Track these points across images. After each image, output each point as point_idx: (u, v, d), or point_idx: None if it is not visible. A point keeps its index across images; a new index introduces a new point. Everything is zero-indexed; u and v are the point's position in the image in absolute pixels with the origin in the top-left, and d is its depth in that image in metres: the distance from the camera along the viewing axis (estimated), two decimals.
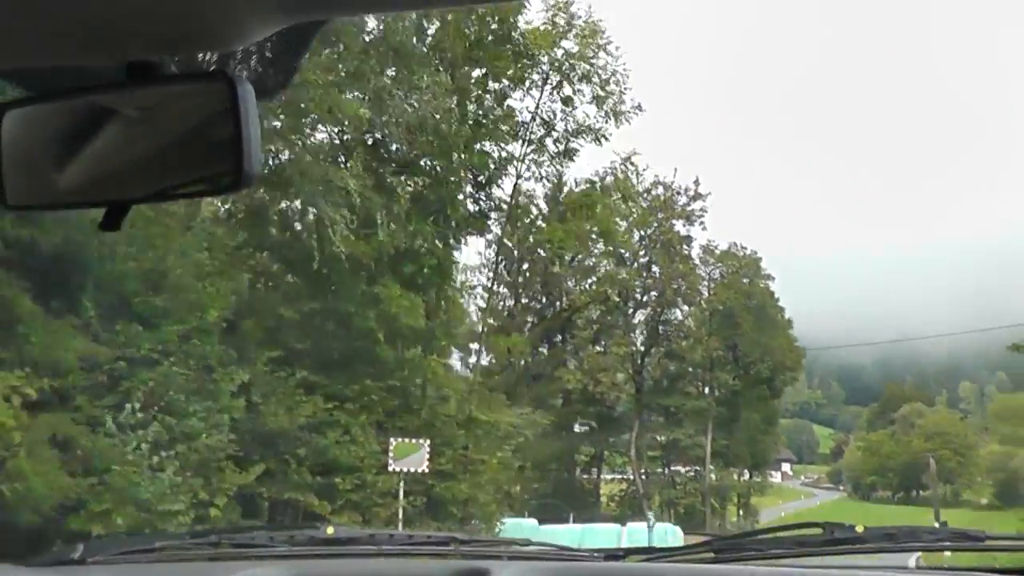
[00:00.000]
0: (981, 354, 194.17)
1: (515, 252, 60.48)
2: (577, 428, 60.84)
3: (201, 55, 1.42)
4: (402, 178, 24.81)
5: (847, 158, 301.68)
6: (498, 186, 31.78)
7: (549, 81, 34.04)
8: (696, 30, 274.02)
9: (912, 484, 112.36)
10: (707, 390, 59.53)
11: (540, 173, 36.40)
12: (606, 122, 35.85)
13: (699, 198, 56.80)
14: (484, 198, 31.65)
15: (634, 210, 57.24)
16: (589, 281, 57.34)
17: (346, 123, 23.32)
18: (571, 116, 35.07)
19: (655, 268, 56.29)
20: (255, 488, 20.87)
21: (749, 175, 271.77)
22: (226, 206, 23.44)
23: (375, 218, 22.80)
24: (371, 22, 21.79)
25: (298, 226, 24.51)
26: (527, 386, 58.70)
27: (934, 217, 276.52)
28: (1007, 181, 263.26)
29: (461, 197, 28.06)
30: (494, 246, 60.29)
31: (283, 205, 24.27)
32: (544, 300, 60.66)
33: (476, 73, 28.50)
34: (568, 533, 35.47)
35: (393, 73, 23.13)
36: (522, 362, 58.56)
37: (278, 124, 21.11)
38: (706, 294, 58.07)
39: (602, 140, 35.82)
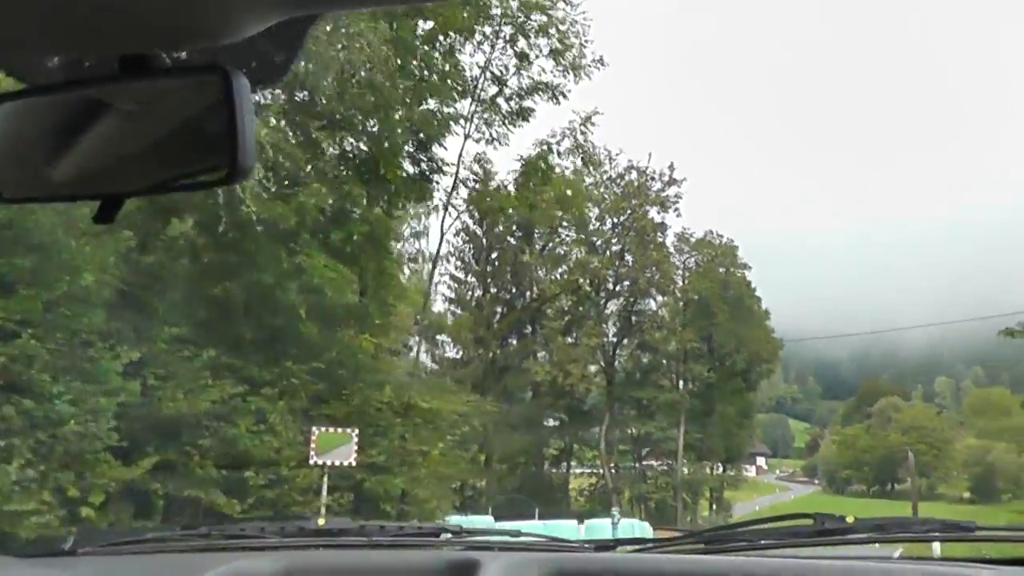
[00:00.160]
0: (957, 349, 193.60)
1: (483, 240, 57.22)
2: (547, 421, 57.14)
3: (196, 48, 1.36)
4: (330, 133, 21.32)
5: (826, 146, 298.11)
6: (441, 146, 28.20)
7: (502, 35, 30.54)
8: (665, 11, 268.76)
9: (887, 478, 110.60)
10: (680, 382, 56.79)
11: (491, 134, 32.70)
12: (564, 78, 32.20)
13: (674, 184, 53.75)
14: (426, 159, 28.07)
15: (606, 195, 53.94)
16: (560, 270, 53.78)
17: None
18: (526, 72, 31.46)
19: (628, 257, 53.08)
20: (147, 484, 17.44)
21: (725, 161, 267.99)
22: None
23: (296, 177, 19.32)
24: None
25: None
26: (495, 378, 55.43)
27: (912, 209, 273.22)
28: (984, 175, 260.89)
29: (400, 158, 24.40)
30: (461, 234, 57.54)
31: None
32: (514, 290, 57.45)
33: (420, 25, 25.02)
34: (527, 529, 32.03)
35: None
36: (490, 354, 55.17)
37: None
38: (681, 283, 55.02)
39: (560, 97, 32.10)
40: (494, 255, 57.40)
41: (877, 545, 3.10)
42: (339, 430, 21.13)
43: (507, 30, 29.97)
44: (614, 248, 54.50)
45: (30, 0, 1.18)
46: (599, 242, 54.39)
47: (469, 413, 30.37)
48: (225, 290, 20.39)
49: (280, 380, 21.35)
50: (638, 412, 54.48)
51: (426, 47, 25.49)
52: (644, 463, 57.19)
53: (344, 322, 23.13)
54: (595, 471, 55.90)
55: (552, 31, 29.72)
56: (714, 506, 58.00)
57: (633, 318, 55.75)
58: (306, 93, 21.37)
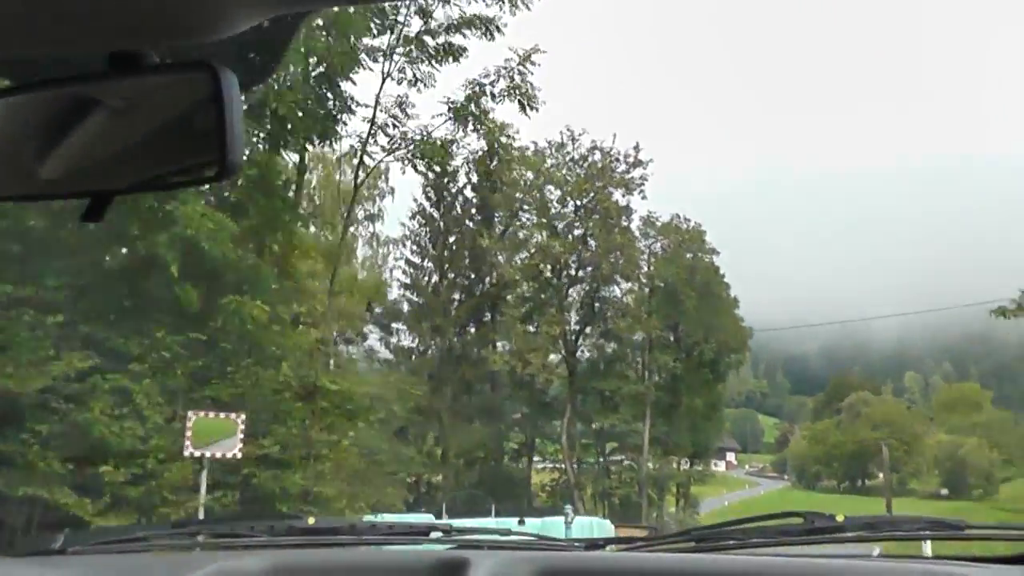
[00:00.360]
0: (926, 344, 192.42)
1: (440, 223, 53.53)
2: (507, 414, 53.68)
3: (185, 45, 1.37)
4: None
5: (797, 130, 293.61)
6: (349, 79, 24.23)
7: None
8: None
9: (858, 474, 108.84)
10: (646, 373, 54.59)
11: (415, 73, 28.82)
12: (500, 9, 28.41)
13: (639, 165, 51.26)
14: (332, 97, 24.10)
15: (568, 177, 50.42)
16: (522, 256, 50.26)
17: None
18: (455, 2, 27.71)
19: (591, 241, 49.74)
20: None
21: (692, 142, 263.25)
22: None
23: None
24: None
25: None
26: (452, 368, 51.70)
27: (882, 198, 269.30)
28: (952, 166, 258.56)
29: (296, 92, 20.38)
30: (418, 217, 53.89)
31: None
32: (472, 276, 53.99)
33: None
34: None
35: None
36: (447, 342, 51.41)
37: None
38: (646, 269, 51.97)
39: (494, 32, 28.25)
40: (452, 239, 53.83)
41: (873, 545, 3.00)
42: (222, 415, 17.24)
43: None
44: (577, 232, 51.79)
45: None
46: (561, 226, 51.38)
47: (386, 396, 26.35)
48: (78, 241, 16.33)
49: (149, 353, 17.48)
50: (602, 404, 52.01)
51: None
52: (608, 457, 53.29)
53: (233, 286, 19.00)
54: (557, 466, 52.59)
55: None
56: (681, 502, 54.35)
57: (596, 305, 52.91)
58: None
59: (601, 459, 54.86)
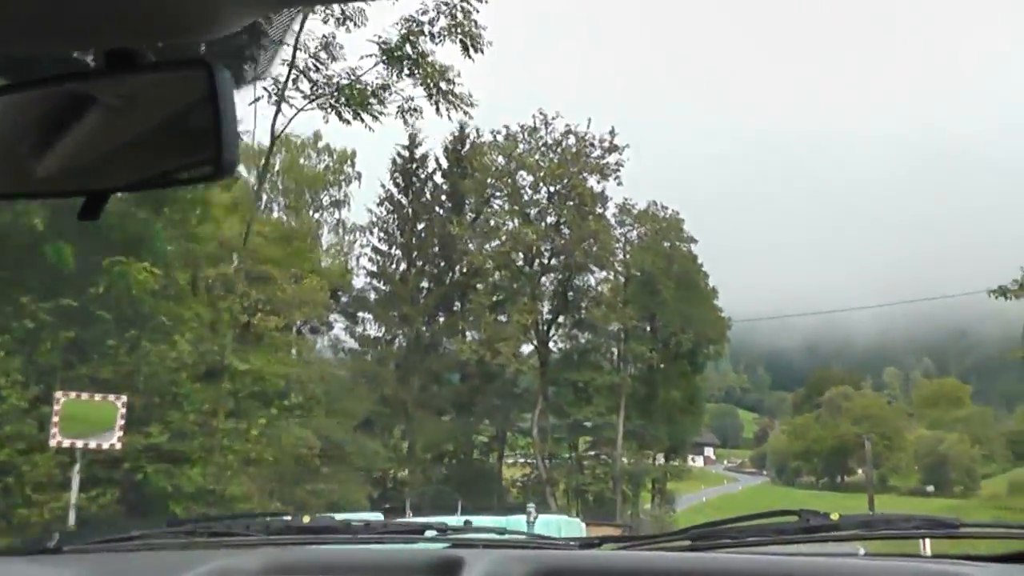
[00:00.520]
0: (907, 340, 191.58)
1: (408, 210, 51.22)
2: (477, 406, 51.57)
3: (180, 43, 1.36)
4: None
5: (773, 109, 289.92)
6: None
7: None
8: None
9: (837, 469, 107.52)
10: (621, 364, 52.89)
11: (343, 11, 26.25)
12: None
13: (615, 150, 49.62)
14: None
15: (541, 162, 48.23)
16: (493, 244, 47.91)
17: None
18: None
19: (565, 229, 47.26)
20: None
21: (672, 130, 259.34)
22: None
23: None
24: None
25: None
26: (420, 358, 49.39)
27: (864, 190, 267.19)
28: (931, 157, 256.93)
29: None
30: (385, 203, 51.59)
31: None
32: (442, 264, 51.72)
33: None
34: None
35: None
36: (415, 332, 49.10)
37: None
38: (622, 257, 49.51)
39: None
40: (420, 226, 51.58)
41: (867, 544, 3.08)
42: (99, 398, 14.48)
43: None
44: (550, 220, 49.62)
45: None
46: (534, 212, 48.96)
47: (303, 376, 23.80)
48: None
49: (10, 322, 14.69)
50: (575, 396, 50.25)
51: None
52: (581, 452, 50.91)
53: (119, 246, 16.25)
54: (529, 460, 50.32)
55: None
56: (656, 499, 51.93)
57: (570, 294, 50.34)
58: None
59: (574, 453, 53.02)
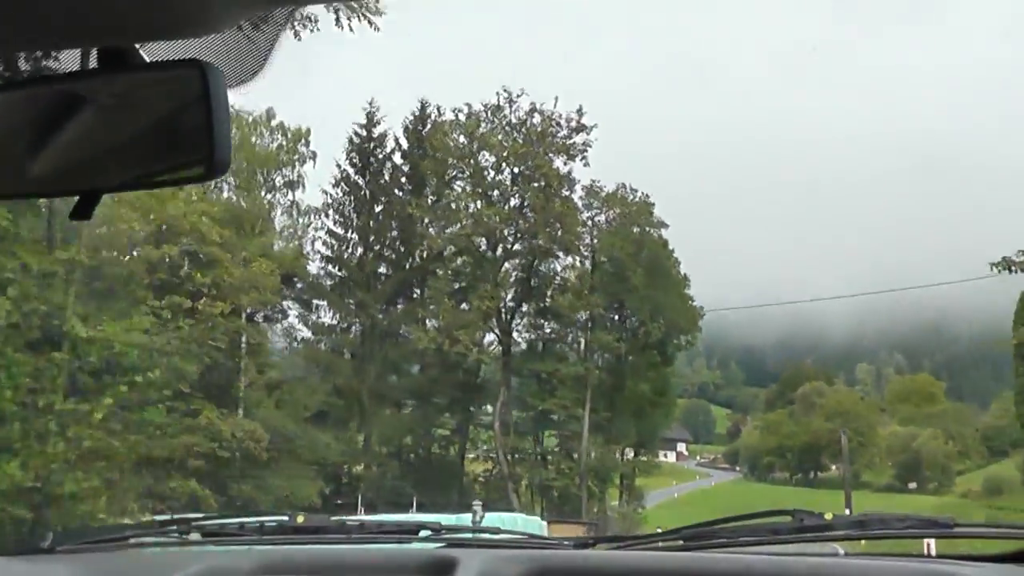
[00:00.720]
0: (879, 336, 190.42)
1: (366, 192, 48.30)
2: (437, 398, 48.94)
3: (173, 42, 1.38)
4: None
5: (746, 88, 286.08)
6: None
7: None
8: None
9: (810, 465, 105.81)
10: (587, 354, 50.76)
11: None
12: None
13: (582, 130, 47.55)
14: None
15: (505, 142, 45.37)
16: (454, 229, 45.06)
17: None
18: None
19: (529, 213, 44.43)
20: None
21: (643, 111, 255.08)
22: None
23: None
24: None
25: None
26: (377, 347, 46.48)
27: (834, 181, 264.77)
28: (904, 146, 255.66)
29: None
30: (342, 184, 48.69)
31: None
32: (402, 248, 48.65)
33: None
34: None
35: None
36: (371, 319, 46.24)
37: None
38: (589, 242, 46.41)
39: None
40: (378, 208, 48.73)
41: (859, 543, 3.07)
42: None
43: None
44: (513, 202, 46.67)
45: None
46: (496, 194, 45.86)
47: (158, 345, 20.59)
48: None
49: None
50: (539, 388, 46.95)
51: None
52: (546, 446, 48.09)
53: None
54: (492, 455, 47.34)
55: None
56: (624, 495, 49.03)
57: (534, 281, 47.19)
58: None
59: (538, 448, 50.13)
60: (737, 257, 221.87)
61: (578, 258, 49.37)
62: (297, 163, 49.66)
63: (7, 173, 1.43)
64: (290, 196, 49.99)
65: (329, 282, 49.61)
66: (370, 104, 50.79)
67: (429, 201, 48.99)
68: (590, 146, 46.70)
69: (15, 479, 14.81)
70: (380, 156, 50.46)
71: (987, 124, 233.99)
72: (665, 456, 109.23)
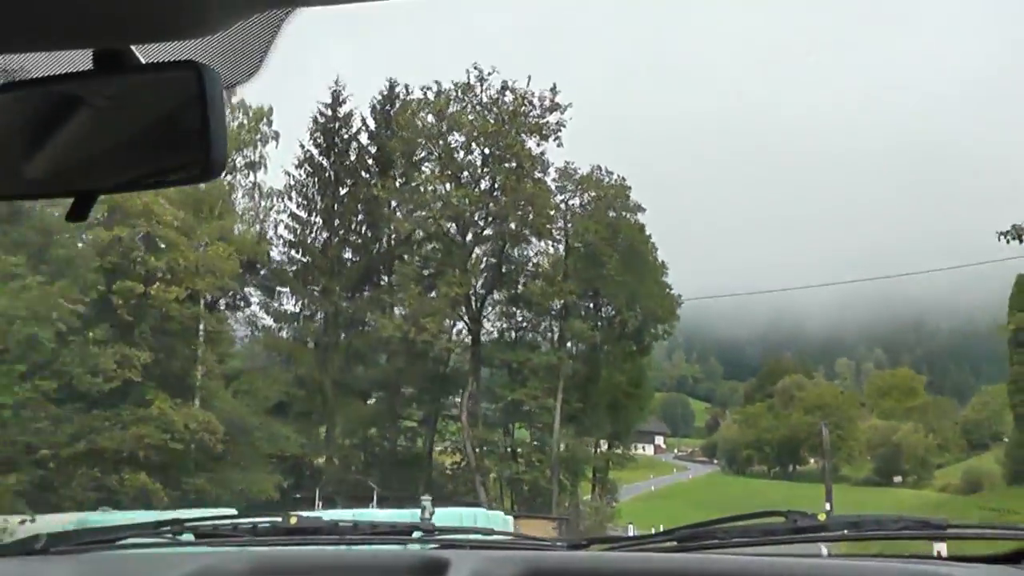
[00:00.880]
0: (859, 331, 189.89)
1: (330, 173, 46.04)
2: (404, 388, 48.44)
3: (169, 44, 1.38)
4: None
5: (724, 66, 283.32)
6: None
7: None
8: None
9: (789, 459, 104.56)
10: (560, 343, 48.62)
11: None
12: None
13: (556, 109, 45.44)
14: None
15: (475, 122, 43.14)
16: (422, 213, 42.76)
17: None
18: None
19: (501, 196, 42.61)
20: None
21: (620, 91, 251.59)
22: None
23: None
24: None
25: None
26: (341, 336, 44.36)
27: (814, 168, 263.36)
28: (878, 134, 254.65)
29: None
30: (305, 165, 46.37)
31: None
32: (367, 233, 46.37)
33: None
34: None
35: None
36: (334, 307, 44.06)
37: None
38: (562, 226, 44.15)
39: None
40: (343, 191, 46.47)
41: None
42: None
43: None
44: (484, 184, 44.27)
45: None
46: (466, 176, 43.57)
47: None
48: None
49: None
50: (510, 377, 44.52)
51: None
52: (516, 438, 46.43)
53: None
54: (460, 447, 45.05)
55: None
56: (597, 488, 46.94)
57: (505, 267, 44.98)
58: None
59: (508, 439, 47.93)
60: (716, 245, 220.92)
61: (551, 243, 47.83)
62: (259, 143, 47.33)
63: (3, 174, 1.41)
64: (251, 177, 47.71)
65: (292, 268, 47.41)
66: (336, 83, 48.73)
67: (397, 183, 46.91)
68: (564, 126, 44.96)
69: None
70: (346, 137, 48.44)
71: (971, 116, 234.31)
72: (643, 449, 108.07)
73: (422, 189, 46.14)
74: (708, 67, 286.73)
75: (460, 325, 46.63)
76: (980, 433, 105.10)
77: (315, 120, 47.74)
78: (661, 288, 49.69)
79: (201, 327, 41.68)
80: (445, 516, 21.11)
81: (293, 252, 47.28)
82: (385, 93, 49.46)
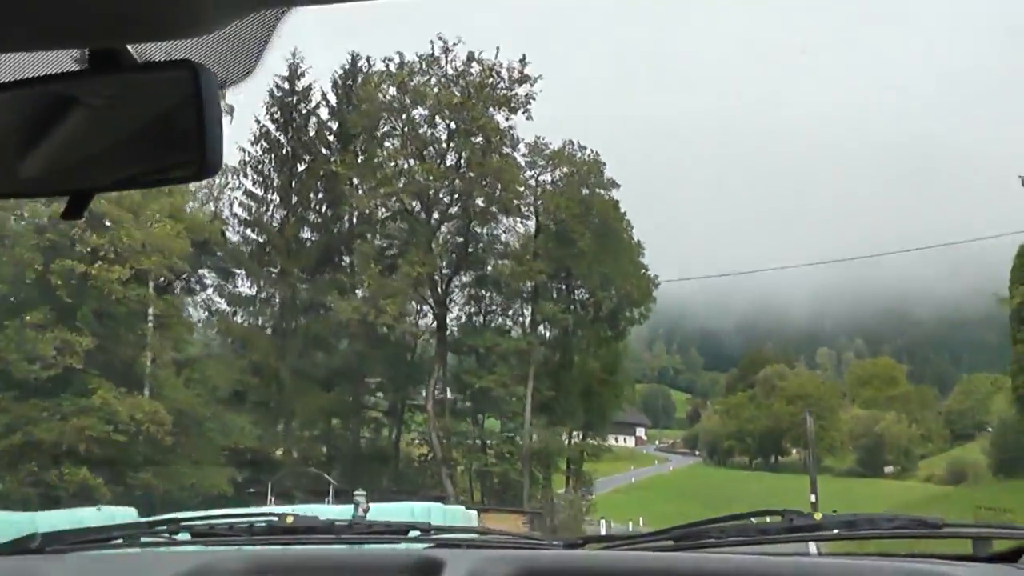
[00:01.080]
0: (839, 321, 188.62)
1: (287, 149, 43.19)
2: (369, 376, 46.42)
3: (165, 43, 1.37)
4: None
5: (703, 41, 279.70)
6: None
7: None
8: None
9: (771, 449, 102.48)
10: (531, 327, 46.13)
11: None
12: None
13: (525, 81, 42.82)
14: None
15: (440, 95, 40.35)
16: (385, 191, 40.23)
17: None
18: None
19: (467, 172, 39.78)
20: None
21: (592, 64, 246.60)
22: None
23: None
24: None
25: None
26: (299, 320, 41.53)
27: (794, 144, 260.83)
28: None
29: None
30: (262, 141, 43.53)
31: None
32: (327, 212, 43.59)
33: None
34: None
35: None
36: (291, 289, 41.28)
37: None
38: (532, 202, 41.64)
39: None
40: (301, 167, 43.61)
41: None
42: None
43: None
44: (450, 160, 41.44)
45: None
46: (431, 151, 40.82)
47: None
48: None
49: None
50: (478, 364, 41.56)
51: None
52: (486, 428, 43.54)
53: None
54: (427, 437, 42.45)
55: None
56: (571, 481, 44.20)
57: (471, 246, 42.22)
58: None
59: (477, 430, 45.28)
60: (694, 228, 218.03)
61: (520, 220, 45.36)
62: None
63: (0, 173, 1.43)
64: None
65: (247, 248, 44.70)
66: (293, 55, 46.02)
67: (358, 159, 44.42)
68: (534, 99, 42.60)
69: None
70: (304, 111, 45.84)
71: (958, 110, 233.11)
72: (624, 441, 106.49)
73: (384, 165, 43.70)
74: (694, 54, 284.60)
75: (425, 309, 44.22)
76: (963, 423, 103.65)
77: (271, 94, 45.26)
78: (637, 268, 47.52)
79: (150, 311, 39.02)
80: (391, 511, 18.31)
81: (248, 231, 45.00)
82: (347, 67, 46.95)
